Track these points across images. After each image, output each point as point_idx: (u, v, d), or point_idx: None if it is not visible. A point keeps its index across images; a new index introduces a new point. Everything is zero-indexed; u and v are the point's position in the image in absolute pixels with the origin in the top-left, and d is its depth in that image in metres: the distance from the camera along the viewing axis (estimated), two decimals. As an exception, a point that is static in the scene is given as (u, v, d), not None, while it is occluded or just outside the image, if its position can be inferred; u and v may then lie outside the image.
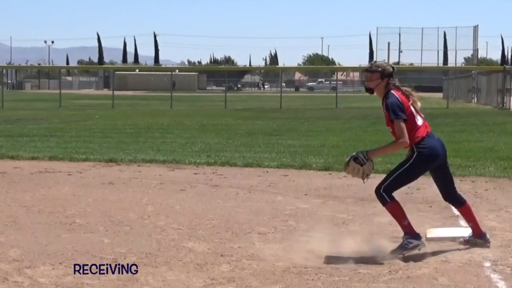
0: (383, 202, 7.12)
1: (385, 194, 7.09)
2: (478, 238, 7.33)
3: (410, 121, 7.07)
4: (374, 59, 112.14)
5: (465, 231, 7.95)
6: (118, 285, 6.04)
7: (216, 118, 31.11)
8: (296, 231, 8.18)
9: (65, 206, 9.63)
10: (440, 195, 9.70)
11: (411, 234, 7.04)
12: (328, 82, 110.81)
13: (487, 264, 6.72)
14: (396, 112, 6.99)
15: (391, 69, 7.19)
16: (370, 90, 7.22)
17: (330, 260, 6.84)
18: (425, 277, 6.29)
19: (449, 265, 6.68)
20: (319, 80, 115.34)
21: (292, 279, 6.23)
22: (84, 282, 6.10)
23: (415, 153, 7.09)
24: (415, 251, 6.97)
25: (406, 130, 6.98)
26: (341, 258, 6.91)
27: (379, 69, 7.13)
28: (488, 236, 7.39)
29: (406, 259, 6.85)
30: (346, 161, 7.25)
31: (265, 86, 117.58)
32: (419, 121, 7.19)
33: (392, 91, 7.11)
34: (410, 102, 7.16)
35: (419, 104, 7.31)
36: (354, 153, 7.22)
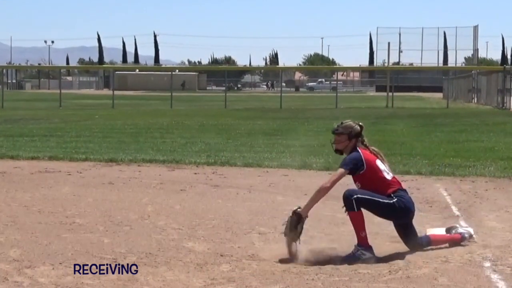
0: (350, 208, 6.99)
1: (355, 203, 6.96)
2: (463, 241, 7.41)
3: (375, 174, 7.04)
4: (375, 59, 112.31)
5: (465, 231, 7.96)
6: (118, 285, 6.04)
7: (216, 118, 31.10)
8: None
9: (65, 206, 9.63)
10: (438, 195, 9.77)
11: (365, 246, 6.93)
12: (328, 82, 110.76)
13: (487, 264, 6.72)
14: (346, 163, 7.03)
15: (358, 129, 7.19)
16: (338, 152, 7.23)
17: (330, 260, 6.84)
18: (425, 277, 6.28)
19: (449, 265, 6.68)
20: (319, 80, 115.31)
21: (292, 279, 6.22)
22: (84, 282, 6.10)
23: (393, 198, 7.02)
24: (362, 262, 6.80)
25: (338, 181, 7.00)
26: (341, 258, 6.91)
27: (347, 131, 7.15)
28: (464, 232, 7.51)
29: (406, 260, 6.84)
30: (289, 229, 7.00)
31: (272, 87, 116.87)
32: (388, 176, 7.13)
33: (358, 148, 7.13)
34: (378, 158, 7.15)
35: (387, 163, 7.28)
36: (288, 222, 7.02)
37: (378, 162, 7.11)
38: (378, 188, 7.01)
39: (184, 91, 75.16)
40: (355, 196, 6.95)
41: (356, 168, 7.03)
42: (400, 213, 7.08)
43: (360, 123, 7.26)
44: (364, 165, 7.03)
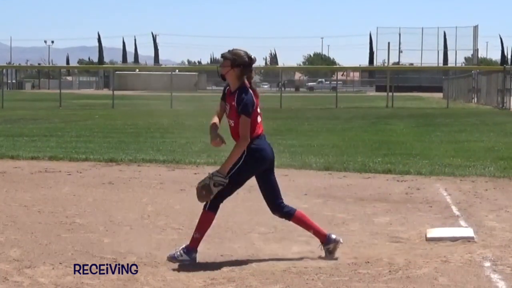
0: (204, 206, 6.85)
1: (210, 201, 6.79)
2: (326, 244, 6.94)
3: (254, 119, 6.78)
4: (375, 59, 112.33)
5: (465, 231, 7.96)
6: (118, 285, 6.04)
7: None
8: (296, 231, 8.16)
9: (65, 206, 9.63)
10: (438, 195, 9.76)
11: (190, 249, 6.78)
12: (328, 82, 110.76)
13: (487, 264, 6.72)
14: (247, 110, 6.67)
15: (246, 59, 6.77)
16: (222, 77, 6.87)
17: (330, 260, 6.85)
18: (425, 277, 6.28)
19: (449, 265, 6.68)
20: (319, 80, 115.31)
21: (292, 279, 6.23)
22: (84, 282, 6.11)
23: (245, 154, 6.75)
24: (179, 263, 6.71)
25: (249, 129, 6.72)
26: (341, 258, 6.92)
27: (231, 57, 6.78)
28: (334, 235, 6.97)
29: (406, 260, 6.84)
30: (206, 188, 6.75)
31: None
32: (258, 119, 6.86)
33: (249, 88, 6.77)
34: (257, 101, 6.84)
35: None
36: (205, 182, 6.74)
37: (258, 109, 6.83)
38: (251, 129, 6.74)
39: (177, 91, 75.10)
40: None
41: (253, 110, 6.74)
42: (257, 165, 6.79)
43: (252, 56, 6.83)
44: (253, 109, 6.75)
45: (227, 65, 6.79)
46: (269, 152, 6.89)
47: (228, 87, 6.90)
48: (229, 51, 6.86)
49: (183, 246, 6.85)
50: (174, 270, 6.51)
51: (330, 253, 6.95)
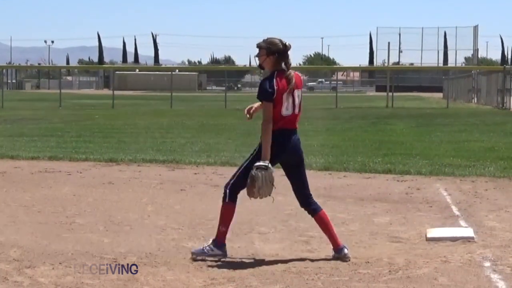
0: (223, 199, 6.92)
1: (229, 192, 6.87)
2: (336, 252, 6.89)
3: (276, 105, 6.70)
4: (375, 59, 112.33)
5: (465, 231, 7.97)
6: (118, 285, 6.05)
7: (216, 118, 31.12)
8: (296, 231, 8.18)
9: (65, 206, 9.63)
10: (438, 195, 9.75)
11: (219, 244, 6.84)
12: (328, 82, 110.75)
13: (487, 264, 6.72)
14: (267, 94, 6.66)
15: (281, 46, 6.78)
16: (261, 67, 6.92)
17: (330, 260, 6.85)
18: (425, 277, 6.29)
19: (449, 265, 6.68)
20: (319, 80, 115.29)
21: (292, 279, 6.23)
22: (84, 282, 6.11)
23: (257, 148, 6.81)
24: (211, 258, 6.77)
25: (271, 112, 6.66)
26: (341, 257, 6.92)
27: (266, 46, 6.80)
28: (346, 251, 6.88)
29: (406, 259, 6.85)
30: (250, 180, 6.65)
31: None
32: (286, 111, 6.75)
33: (274, 75, 6.73)
34: (287, 90, 6.73)
35: (297, 97, 6.83)
36: (252, 172, 6.63)
37: (285, 96, 6.72)
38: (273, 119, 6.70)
39: (177, 91, 75.13)
40: (229, 185, 6.87)
41: (272, 96, 6.67)
42: (272, 153, 6.72)
43: (287, 43, 6.83)
44: (275, 93, 6.68)
45: (263, 54, 6.84)
46: (286, 148, 6.81)
47: None
48: (263, 40, 6.91)
49: (210, 241, 6.88)
50: (174, 270, 6.51)
51: (336, 259, 6.90)
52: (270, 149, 6.70)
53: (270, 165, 6.65)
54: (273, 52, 6.77)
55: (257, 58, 6.89)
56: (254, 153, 6.85)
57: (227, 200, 6.91)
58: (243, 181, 6.79)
